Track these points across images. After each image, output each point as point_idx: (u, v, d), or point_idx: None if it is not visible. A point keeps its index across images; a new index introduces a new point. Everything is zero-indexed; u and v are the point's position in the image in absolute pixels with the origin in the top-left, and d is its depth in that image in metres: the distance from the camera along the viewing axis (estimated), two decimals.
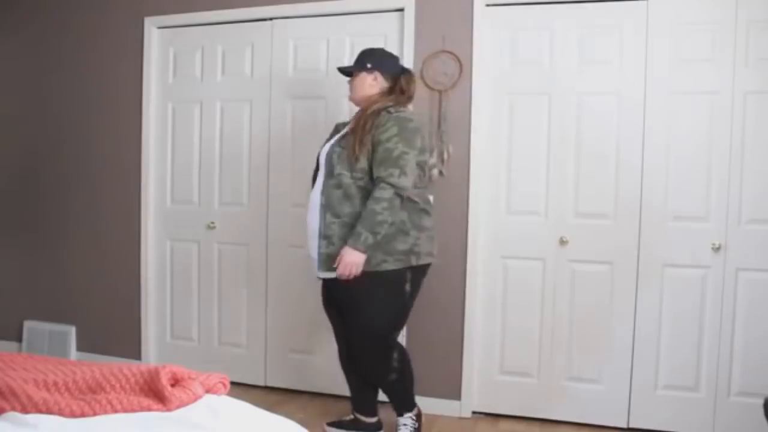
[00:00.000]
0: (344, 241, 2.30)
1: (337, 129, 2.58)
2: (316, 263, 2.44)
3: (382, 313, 2.40)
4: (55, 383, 1.50)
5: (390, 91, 2.46)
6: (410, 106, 2.52)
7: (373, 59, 2.48)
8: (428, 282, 2.94)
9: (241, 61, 3.33)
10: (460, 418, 2.98)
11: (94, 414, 1.39)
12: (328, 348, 2.66)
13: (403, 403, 2.56)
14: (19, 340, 3.77)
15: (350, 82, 2.53)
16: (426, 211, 2.46)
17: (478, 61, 2.94)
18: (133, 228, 3.52)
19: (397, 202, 2.29)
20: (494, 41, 2.95)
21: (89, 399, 1.43)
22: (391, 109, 2.36)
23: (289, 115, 3.25)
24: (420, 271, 2.46)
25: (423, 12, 3.00)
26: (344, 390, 2.82)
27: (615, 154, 2.82)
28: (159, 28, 3.46)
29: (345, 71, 2.56)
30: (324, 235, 2.38)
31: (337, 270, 2.31)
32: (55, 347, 3.64)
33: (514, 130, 2.95)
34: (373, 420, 2.69)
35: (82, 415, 1.39)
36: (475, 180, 2.96)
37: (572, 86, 2.86)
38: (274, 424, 1.52)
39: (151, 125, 3.48)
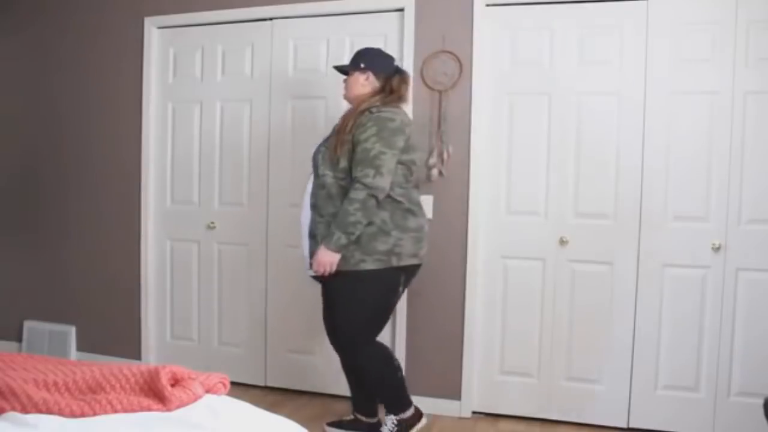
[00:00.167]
0: (330, 236, 2.32)
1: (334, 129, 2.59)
2: (306, 262, 2.47)
3: (359, 313, 2.40)
4: (55, 383, 1.50)
5: (381, 91, 2.46)
6: (404, 106, 2.51)
7: (366, 59, 2.49)
8: (428, 282, 2.96)
9: (241, 61, 3.33)
10: (460, 418, 2.98)
11: (94, 414, 1.39)
12: (328, 348, 2.65)
13: (388, 404, 2.53)
14: (19, 340, 3.77)
15: (345, 81, 2.55)
16: (411, 212, 2.42)
17: (478, 61, 2.94)
18: (133, 228, 3.52)
19: (372, 202, 2.28)
20: (494, 41, 2.95)
21: (89, 399, 1.43)
22: (374, 109, 2.36)
23: (289, 114, 3.25)
24: (403, 272, 2.44)
25: (423, 12, 3.00)
26: (344, 390, 2.83)
27: (615, 154, 2.82)
28: (159, 28, 3.46)
29: (341, 70, 2.57)
30: (311, 234, 2.42)
31: (312, 267, 2.38)
32: (55, 347, 3.64)
33: (514, 130, 2.95)
34: (374, 420, 2.69)
35: (82, 415, 1.39)
36: (475, 180, 2.96)
37: (572, 86, 2.86)
38: (274, 424, 1.52)
39: (151, 125, 3.48)
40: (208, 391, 1.58)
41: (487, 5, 2.94)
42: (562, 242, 2.88)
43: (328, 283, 2.41)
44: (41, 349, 3.63)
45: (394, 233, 2.36)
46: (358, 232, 2.29)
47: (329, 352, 2.74)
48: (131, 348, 3.54)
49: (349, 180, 2.34)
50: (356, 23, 3.11)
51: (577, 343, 2.89)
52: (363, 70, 2.47)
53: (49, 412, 1.38)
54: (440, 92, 2.98)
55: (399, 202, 2.38)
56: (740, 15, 2.66)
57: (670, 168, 2.75)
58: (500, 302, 2.99)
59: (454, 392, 3.01)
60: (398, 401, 2.52)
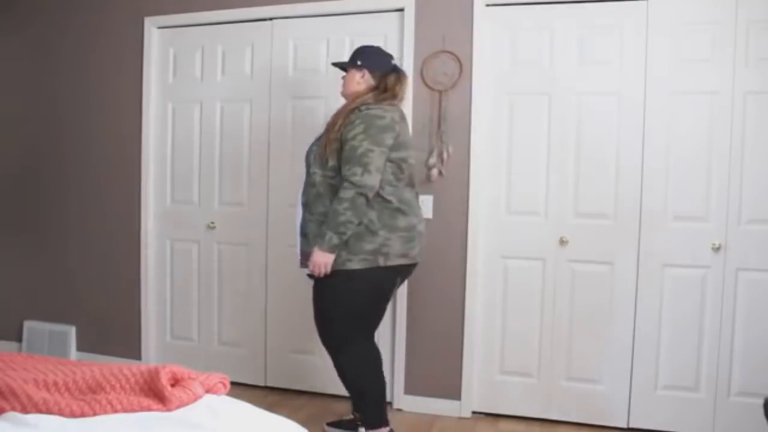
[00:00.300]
0: (321, 237, 2.31)
1: None
2: (298, 258, 2.48)
3: (342, 311, 2.40)
4: (55, 383, 1.50)
5: (375, 89, 2.44)
6: (401, 105, 2.48)
7: (363, 56, 2.48)
8: (428, 282, 2.96)
9: (241, 61, 3.33)
10: (460, 418, 2.98)
11: (94, 414, 1.39)
12: (334, 342, 2.66)
13: (363, 415, 2.49)
14: (19, 340, 3.77)
15: (343, 78, 2.54)
16: (401, 211, 2.37)
17: (478, 61, 2.94)
18: (133, 228, 3.52)
19: (361, 201, 2.26)
20: (494, 41, 2.95)
21: (89, 399, 1.43)
22: (363, 107, 2.34)
23: (289, 115, 3.25)
24: (393, 272, 2.40)
25: (423, 12, 3.00)
26: (344, 390, 2.82)
27: (615, 154, 2.82)
28: (159, 28, 3.46)
29: (339, 66, 2.58)
30: (303, 233, 2.43)
31: (309, 269, 2.37)
32: (55, 347, 3.64)
33: (514, 130, 2.95)
34: None
35: (82, 415, 1.39)
36: (475, 180, 2.96)
37: (572, 86, 2.86)
38: (274, 424, 1.53)
39: (151, 125, 3.48)
40: (208, 391, 1.58)
41: (487, 5, 2.94)
42: (562, 242, 2.88)
43: (316, 280, 2.40)
44: (41, 349, 3.63)
45: (382, 233, 2.33)
46: (350, 232, 2.28)
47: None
48: (131, 348, 3.54)
49: (338, 179, 2.33)
50: (356, 23, 3.11)
51: (577, 343, 2.89)
52: (359, 68, 2.46)
53: (49, 412, 1.38)
54: (440, 92, 2.98)
55: (388, 201, 2.35)
56: (740, 15, 2.66)
57: (670, 168, 2.75)
58: (500, 302, 2.99)
59: (454, 392, 3.01)
60: (375, 417, 2.47)
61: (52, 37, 3.66)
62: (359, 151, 2.26)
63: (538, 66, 2.91)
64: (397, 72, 2.50)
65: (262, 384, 3.36)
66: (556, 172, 2.89)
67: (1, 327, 3.83)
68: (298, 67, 3.24)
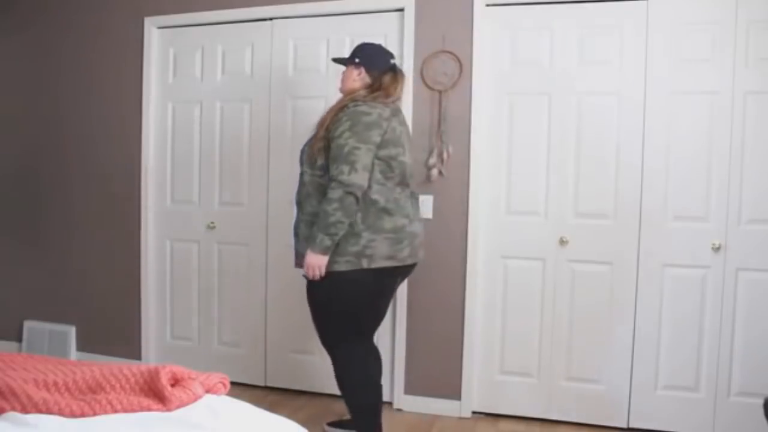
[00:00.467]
0: (306, 240, 2.30)
1: None
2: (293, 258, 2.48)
3: (330, 313, 2.38)
4: (55, 383, 1.50)
5: (370, 87, 2.40)
6: (397, 104, 2.44)
7: (361, 54, 2.45)
8: (428, 282, 2.96)
9: (241, 61, 3.33)
10: (460, 418, 2.98)
11: (94, 414, 1.39)
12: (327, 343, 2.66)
13: (354, 419, 2.46)
14: (19, 340, 3.77)
15: (342, 74, 2.53)
16: (387, 211, 2.30)
17: (478, 61, 2.94)
18: (133, 228, 3.52)
19: (350, 200, 2.21)
20: (494, 41, 2.95)
21: (89, 399, 1.43)
22: (350, 104, 2.30)
23: (289, 115, 3.25)
24: (379, 274, 2.32)
25: (423, 12, 3.00)
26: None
27: (615, 154, 2.82)
28: (159, 28, 3.46)
29: (339, 62, 2.57)
30: (295, 232, 2.42)
31: (303, 271, 2.34)
32: (55, 347, 3.64)
33: (514, 130, 2.95)
34: None
35: (82, 415, 1.39)
36: (475, 180, 2.96)
37: (572, 86, 2.86)
38: (274, 424, 1.53)
39: (151, 125, 3.48)
40: (208, 391, 1.58)
41: (487, 5, 2.94)
42: (562, 242, 2.88)
43: (309, 282, 2.37)
44: (41, 349, 3.63)
45: (365, 234, 2.27)
46: (341, 232, 2.23)
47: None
48: (131, 348, 3.54)
49: (327, 178, 2.29)
50: (356, 23, 3.11)
51: (577, 343, 2.89)
52: (357, 65, 2.43)
53: (49, 412, 1.38)
54: (440, 92, 2.98)
55: (374, 200, 2.28)
56: (740, 15, 2.66)
57: (670, 168, 2.75)
58: (500, 302, 2.99)
59: (454, 392, 3.01)
60: (365, 424, 2.44)
61: (52, 37, 3.66)
62: (346, 149, 2.22)
63: (538, 66, 2.91)
64: (395, 71, 2.46)
65: (262, 384, 3.36)
66: (556, 172, 2.89)
67: (1, 327, 3.83)
68: (298, 67, 3.24)
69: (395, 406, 3.07)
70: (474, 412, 3.02)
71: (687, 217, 2.74)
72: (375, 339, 2.58)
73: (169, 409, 1.43)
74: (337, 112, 2.32)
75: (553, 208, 2.90)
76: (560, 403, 2.92)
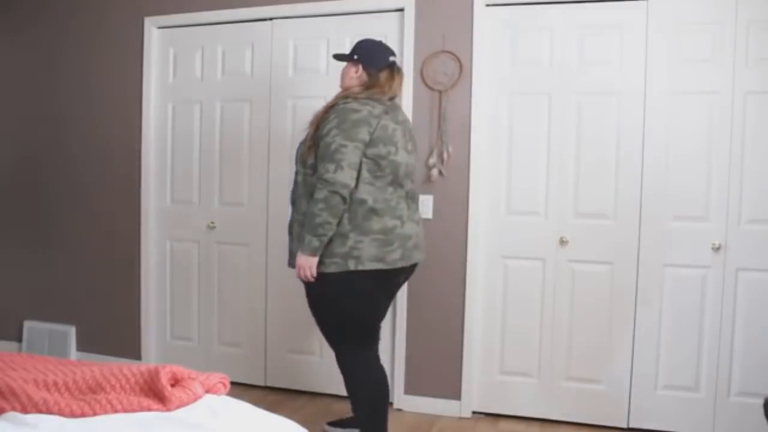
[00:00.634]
0: (298, 240, 2.27)
1: None
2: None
3: (328, 315, 2.36)
4: (55, 383, 1.50)
5: (366, 84, 2.35)
6: (394, 101, 2.41)
7: (360, 51, 2.40)
8: (428, 282, 2.96)
9: (241, 61, 3.34)
10: (460, 418, 2.98)
11: (94, 414, 1.39)
12: (328, 348, 2.65)
13: (357, 420, 2.42)
14: (19, 340, 3.78)
15: (342, 71, 2.49)
16: (375, 212, 2.23)
17: (478, 61, 2.94)
18: (133, 228, 3.52)
19: (336, 200, 2.15)
20: (494, 41, 2.95)
21: (89, 399, 1.43)
22: (341, 102, 2.26)
23: (289, 114, 3.25)
24: (368, 277, 2.24)
25: (423, 12, 3.00)
26: (344, 390, 2.82)
27: (615, 154, 2.82)
28: (159, 28, 3.46)
29: (339, 58, 2.51)
30: (289, 231, 2.39)
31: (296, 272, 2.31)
32: (55, 347, 3.64)
33: (514, 130, 2.95)
34: None
35: (82, 415, 1.39)
36: (475, 180, 2.96)
37: (572, 86, 2.86)
38: (274, 424, 1.53)
39: (151, 125, 3.48)
40: (208, 391, 1.58)
41: (487, 5, 2.94)
42: (562, 242, 2.88)
43: (305, 282, 2.34)
44: (41, 349, 3.63)
45: (352, 235, 2.21)
46: (329, 233, 2.18)
47: (329, 352, 2.74)
48: (131, 348, 3.54)
49: (316, 177, 2.25)
50: (356, 23, 3.11)
51: (577, 343, 2.89)
52: (355, 62, 2.39)
53: (49, 412, 1.38)
54: (440, 92, 2.98)
55: (362, 200, 2.21)
56: (740, 15, 2.66)
57: (670, 168, 2.75)
58: (500, 302, 2.99)
59: (454, 392, 3.01)
60: (368, 426, 2.37)
61: (52, 37, 3.66)
62: (332, 147, 2.17)
63: (538, 66, 2.91)
64: (392, 68, 2.39)
65: (262, 384, 3.36)
66: (556, 172, 2.89)
67: (1, 327, 3.84)
68: (298, 67, 3.24)
69: (395, 406, 3.07)
70: (474, 412, 3.02)
71: (687, 217, 2.74)
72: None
73: (169, 409, 1.43)
74: (327, 110, 2.29)
75: (553, 208, 2.90)
76: (560, 403, 2.92)
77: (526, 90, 2.92)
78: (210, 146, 3.41)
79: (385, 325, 3.02)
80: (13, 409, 1.38)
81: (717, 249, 2.70)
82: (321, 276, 2.25)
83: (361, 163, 2.22)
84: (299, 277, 2.29)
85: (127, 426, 1.34)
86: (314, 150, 2.26)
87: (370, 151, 2.23)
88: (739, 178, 2.68)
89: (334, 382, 3.08)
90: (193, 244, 3.47)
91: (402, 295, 3.03)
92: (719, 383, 2.72)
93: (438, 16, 2.98)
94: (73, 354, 3.65)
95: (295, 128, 3.23)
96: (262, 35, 3.29)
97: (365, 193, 2.23)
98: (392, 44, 3.04)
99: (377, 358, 2.43)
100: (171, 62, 3.47)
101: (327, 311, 2.36)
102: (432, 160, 2.97)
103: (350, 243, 2.21)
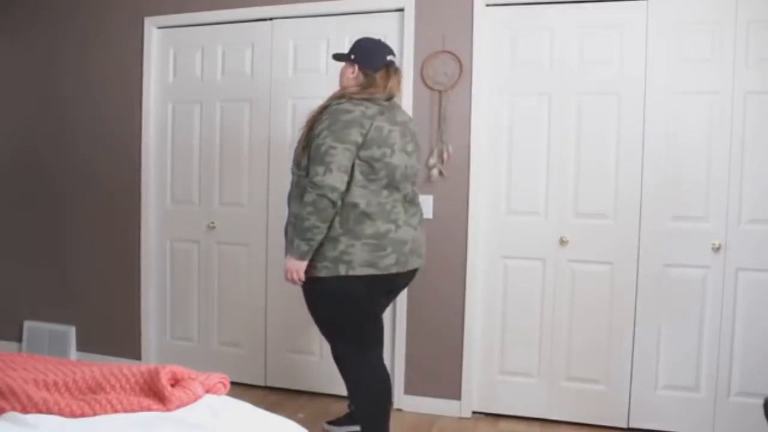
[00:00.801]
0: (291, 243, 2.23)
1: None
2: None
3: (324, 319, 2.35)
4: (55, 383, 1.50)
5: (363, 85, 2.30)
6: (392, 101, 2.35)
7: (357, 51, 2.36)
8: (428, 282, 2.96)
9: (241, 61, 3.33)
10: (460, 418, 2.98)
11: (94, 414, 1.39)
12: (328, 348, 2.65)
13: (358, 418, 2.43)
14: (19, 340, 3.77)
15: (340, 70, 2.46)
16: (367, 215, 2.17)
17: (478, 61, 2.94)
18: (133, 228, 3.52)
19: (324, 203, 2.10)
20: (494, 41, 2.95)
21: (89, 399, 1.43)
22: (333, 103, 2.22)
23: (289, 114, 3.25)
24: (360, 282, 2.19)
25: (423, 12, 3.00)
26: (344, 390, 2.82)
27: (615, 154, 2.82)
28: (159, 28, 3.46)
29: (338, 58, 2.48)
30: (285, 232, 2.36)
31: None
32: (55, 347, 3.64)
33: (514, 130, 2.95)
34: None
35: (82, 415, 1.39)
36: (475, 180, 2.96)
37: (572, 86, 2.86)
38: (274, 424, 1.53)
39: (151, 125, 3.48)
40: (208, 391, 1.58)
41: (487, 5, 2.94)
42: (562, 242, 2.88)
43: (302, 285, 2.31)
44: (41, 349, 3.63)
45: (343, 239, 2.16)
46: (318, 237, 2.14)
47: (329, 352, 2.74)
48: (131, 348, 3.54)
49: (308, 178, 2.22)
50: (356, 23, 3.11)
51: (577, 343, 2.89)
52: (351, 63, 2.35)
53: (49, 412, 1.38)
54: (440, 92, 2.98)
55: (354, 204, 2.16)
56: (740, 15, 2.66)
57: (670, 168, 2.75)
58: (500, 302, 2.99)
59: (454, 392, 3.01)
60: (364, 424, 2.35)
61: (52, 37, 3.66)
62: (322, 149, 2.12)
63: (538, 66, 2.91)
64: (387, 69, 2.32)
65: (262, 384, 3.36)
66: (556, 172, 2.89)
67: (1, 327, 3.83)
68: (298, 67, 3.24)
69: (395, 406, 3.07)
70: (474, 412, 3.02)
71: (687, 217, 2.74)
72: None
73: (169, 409, 1.43)
74: (321, 110, 2.23)
75: (553, 208, 2.90)
76: (560, 403, 2.92)
77: (526, 90, 2.92)
78: (210, 146, 3.41)
79: (386, 326, 3.01)
80: (13, 409, 1.38)
81: (717, 249, 2.70)
82: (313, 280, 2.22)
83: (353, 166, 2.16)
84: (287, 280, 2.25)
85: (127, 426, 1.34)
86: (308, 151, 2.22)
87: (363, 153, 2.16)
88: (739, 178, 2.68)
89: (334, 382, 3.08)
90: (193, 244, 3.47)
91: (402, 295, 3.03)
92: (719, 383, 2.72)
93: (438, 16, 2.98)
94: (73, 354, 3.65)
95: (295, 128, 3.22)
96: (262, 35, 3.29)
97: (358, 196, 2.17)
98: (392, 44, 3.03)
99: (380, 358, 2.42)
100: (171, 62, 3.47)
101: (322, 315, 2.34)
102: (432, 160, 2.97)
103: (341, 247, 2.16)
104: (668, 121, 2.75)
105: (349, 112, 2.16)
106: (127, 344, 3.55)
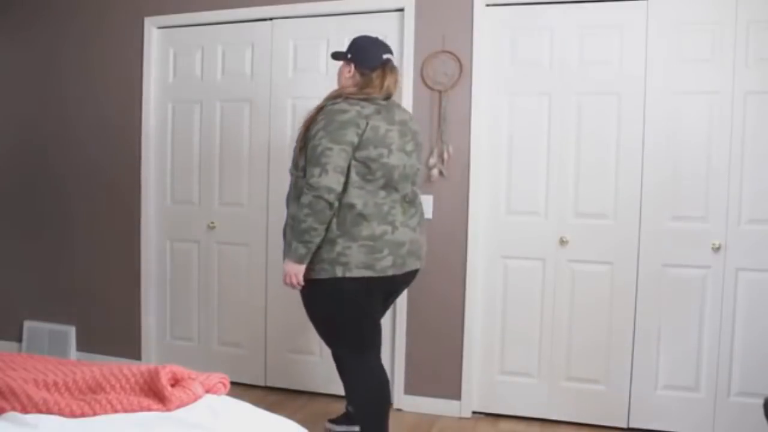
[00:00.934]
0: (289, 245, 2.19)
1: None
2: None
3: (321, 321, 2.33)
4: (55, 383, 1.50)
5: (360, 84, 2.27)
6: (389, 100, 2.31)
7: (354, 50, 2.34)
8: (428, 282, 2.96)
9: (241, 61, 3.34)
10: (460, 418, 2.98)
11: (94, 414, 1.39)
12: (328, 348, 2.65)
13: (356, 420, 2.40)
14: (19, 340, 3.78)
15: (338, 69, 2.44)
16: (364, 217, 2.14)
17: (478, 61, 2.94)
18: (133, 228, 3.52)
19: (321, 205, 2.08)
20: (494, 41, 2.95)
21: (89, 399, 1.43)
22: (329, 103, 2.20)
23: (289, 114, 3.25)
24: (357, 284, 2.17)
25: (423, 12, 3.00)
26: (343, 390, 2.82)
27: (615, 154, 2.82)
28: (159, 28, 3.46)
29: (336, 57, 2.45)
30: (283, 233, 2.33)
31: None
32: (55, 347, 3.64)
33: (514, 130, 2.95)
34: None
35: (82, 415, 1.39)
36: (475, 180, 2.96)
37: (572, 86, 2.86)
38: (274, 424, 1.53)
39: (151, 125, 3.48)
40: (208, 391, 1.58)
41: (487, 5, 2.94)
42: (562, 242, 2.88)
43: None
44: (41, 349, 3.63)
45: (340, 241, 2.14)
46: (316, 239, 2.12)
47: (329, 352, 2.74)
48: (131, 348, 3.54)
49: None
50: (356, 23, 3.11)
51: (577, 343, 2.89)
52: (348, 62, 2.33)
53: (49, 412, 1.38)
54: (440, 92, 2.98)
55: (350, 205, 2.13)
56: (740, 15, 2.66)
57: (669, 168, 2.75)
58: (500, 302, 2.99)
59: (454, 392, 3.01)
60: (362, 425, 2.33)
61: (52, 37, 3.66)
62: (318, 150, 2.10)
63: (538, 66, 2.91)
64: (384, 67, 2.28)
65: (262, 384, 3.36)
66: (556, 172, 2.89)
67: (1, 327, 3.83)
68: (298, 67, 3.24)
69: (395, 406, 3.07)
70: (474, 412, 3.02)
71: (687, 217, 2.74)
72: None
73: (169, 409, 1.43)
74: (317, 111, 2.22)
75: (553, 208, 2.90)
76: (560, 403, 2.92)
77: (526, 90, 2.92)
78: (210, 146, 3.41)
79: (386, 326, 3.01)
80: (13, 409, 1.38)
81: (717, 249, 2.70)
82: (310, 282, 2.21)
83: (350, 166, 2.13)
84: (285, 283, 2.24)
85: (127, 426, 1.34)
86: (305, 152, 2.20)
87: (360, 154, 2.13)
88: (739, 178, 2.68)
89: (334, 382, 3.07)
90: (193, 244, 3.47)
91: (402, 295, 3.02)
92: (719, 383, 2.72)
93: (438, 16, 2.98)
94: (73, 354, 3.65)
95: (294, 128, 3.22)
96: (262, 35, 3.29)
97: (355, 197, 2.14)
98: (392, 44, 3.03)
99: (378, 358, 2.41)
100: (171, 62, 3.47)
101: (319, 317, 2.33)
102: (432, 160, 2.97)
103: (338, 249, 2.14)
104: (668, 121, 2.75)
105: (344, 112, 2.14)
106: (127, 344, 3.55)
